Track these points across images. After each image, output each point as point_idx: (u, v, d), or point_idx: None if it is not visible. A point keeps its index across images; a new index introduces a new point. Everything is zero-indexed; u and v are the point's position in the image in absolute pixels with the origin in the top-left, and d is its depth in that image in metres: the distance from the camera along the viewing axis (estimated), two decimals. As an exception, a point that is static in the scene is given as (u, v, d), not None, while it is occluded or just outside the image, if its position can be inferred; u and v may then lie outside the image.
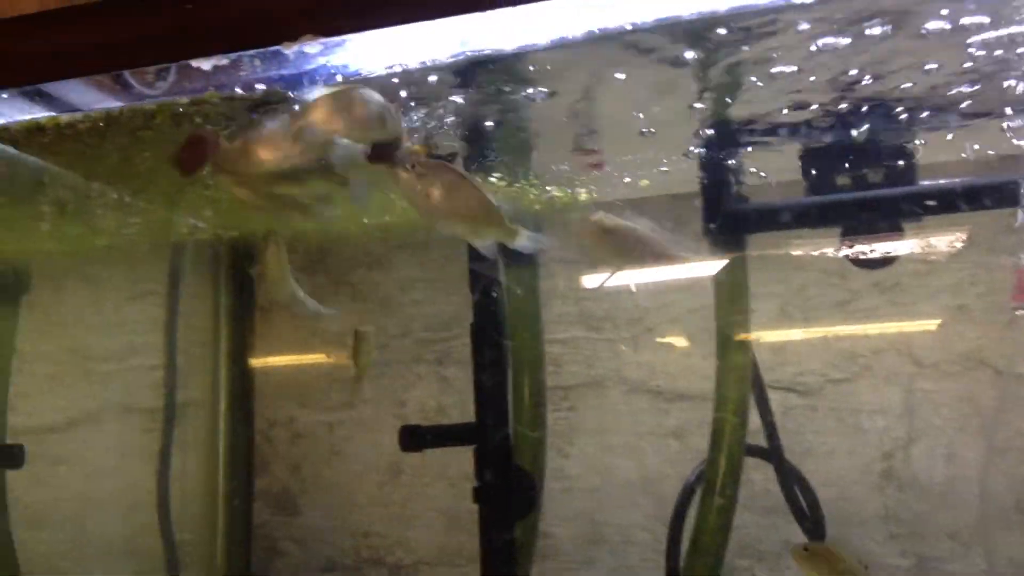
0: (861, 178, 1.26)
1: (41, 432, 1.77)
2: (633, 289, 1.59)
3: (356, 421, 1.79)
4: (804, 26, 0.97)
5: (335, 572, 1.77)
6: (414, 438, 1.33)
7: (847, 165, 1.27)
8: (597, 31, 0.95)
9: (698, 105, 1.19)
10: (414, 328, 1.78)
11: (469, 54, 0.98)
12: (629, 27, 0.93)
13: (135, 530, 1.74)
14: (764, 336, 1.55)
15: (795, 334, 1.58)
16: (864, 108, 1.18)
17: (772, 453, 1.41)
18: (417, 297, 1.78)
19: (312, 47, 0.97)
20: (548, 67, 1.04)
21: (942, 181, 1.24)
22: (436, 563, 1.72)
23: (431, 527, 1.73)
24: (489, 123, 1.19)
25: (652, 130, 1.18)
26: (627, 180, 1.31)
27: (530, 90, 1.07)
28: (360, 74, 1.04)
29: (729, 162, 1.29)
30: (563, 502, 1.64)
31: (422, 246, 1.76)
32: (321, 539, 1.78)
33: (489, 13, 0.93)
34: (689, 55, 1.04)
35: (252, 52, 0.99)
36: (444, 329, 1.75)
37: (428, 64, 1.04)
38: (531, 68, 1.02)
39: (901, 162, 1.24)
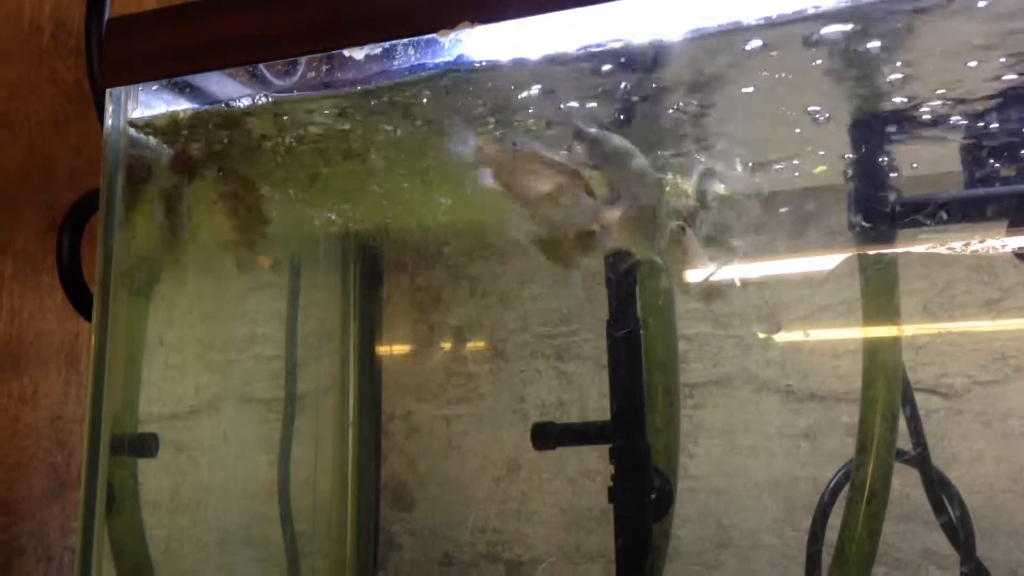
0: (1026, 169, 1.18)
1: (164, 419, 1.79)
2: (738, 283, 1.54)
3: (474, 416, 1.77)
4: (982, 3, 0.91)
5: (452, 567, 1.76)
6: (547, 435, 1.30)
7: (1011, 155, 1.19)
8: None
9: (851, 93, 1.14)
10: (532, 323, 1.75)
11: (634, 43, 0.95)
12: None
13: (254, 518, 1.75)
14: (906, 335, 1.48)
15: (939, 333, 1.50)
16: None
17: (918, 458, 1.35)
18: (536, 291, 1.75)
19: (468, 34, 0.95)
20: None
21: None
22: (555, 560, 1.69)
23: (549, 523, 1.70)
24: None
25: (805, 118, 1.13)
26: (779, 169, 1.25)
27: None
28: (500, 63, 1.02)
29: (882, 154, 1.23)
30: (688, 502, 1.60)
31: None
32: (438, 534, 1.77)
33: None
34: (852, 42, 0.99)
35: (406, 41, 0.98)
36: (563, 324, 1.72)
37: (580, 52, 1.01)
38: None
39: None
